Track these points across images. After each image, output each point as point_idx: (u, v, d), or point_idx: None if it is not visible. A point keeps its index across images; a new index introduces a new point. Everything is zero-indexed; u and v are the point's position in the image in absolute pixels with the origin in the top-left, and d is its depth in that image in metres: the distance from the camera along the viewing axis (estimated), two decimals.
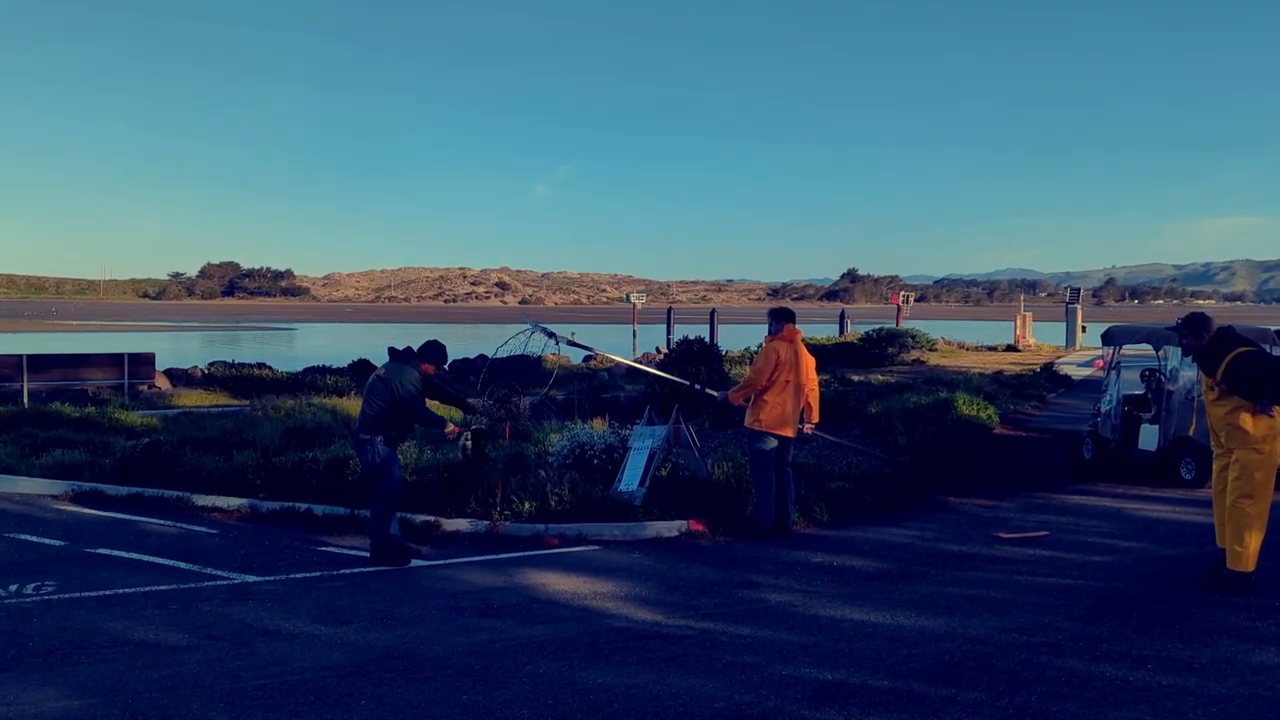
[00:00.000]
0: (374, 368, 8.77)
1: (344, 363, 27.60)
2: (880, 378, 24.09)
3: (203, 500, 10.17)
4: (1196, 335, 7.09)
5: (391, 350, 8.27)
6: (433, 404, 8.48)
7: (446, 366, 24.41)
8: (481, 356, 11.69)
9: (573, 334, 10.62)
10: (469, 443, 8.39)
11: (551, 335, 10.37)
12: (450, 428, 8.27)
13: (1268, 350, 7.13)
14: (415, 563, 7.93)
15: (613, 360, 14.75)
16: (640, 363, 13.41)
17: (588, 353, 11.01)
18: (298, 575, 7.60)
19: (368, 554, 8.04)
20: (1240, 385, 6.78)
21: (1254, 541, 6.80)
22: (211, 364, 28.89)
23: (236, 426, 14.08)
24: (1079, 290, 50.41)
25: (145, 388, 23.38)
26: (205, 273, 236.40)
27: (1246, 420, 6.80)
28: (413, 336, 8.71)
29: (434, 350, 8.25)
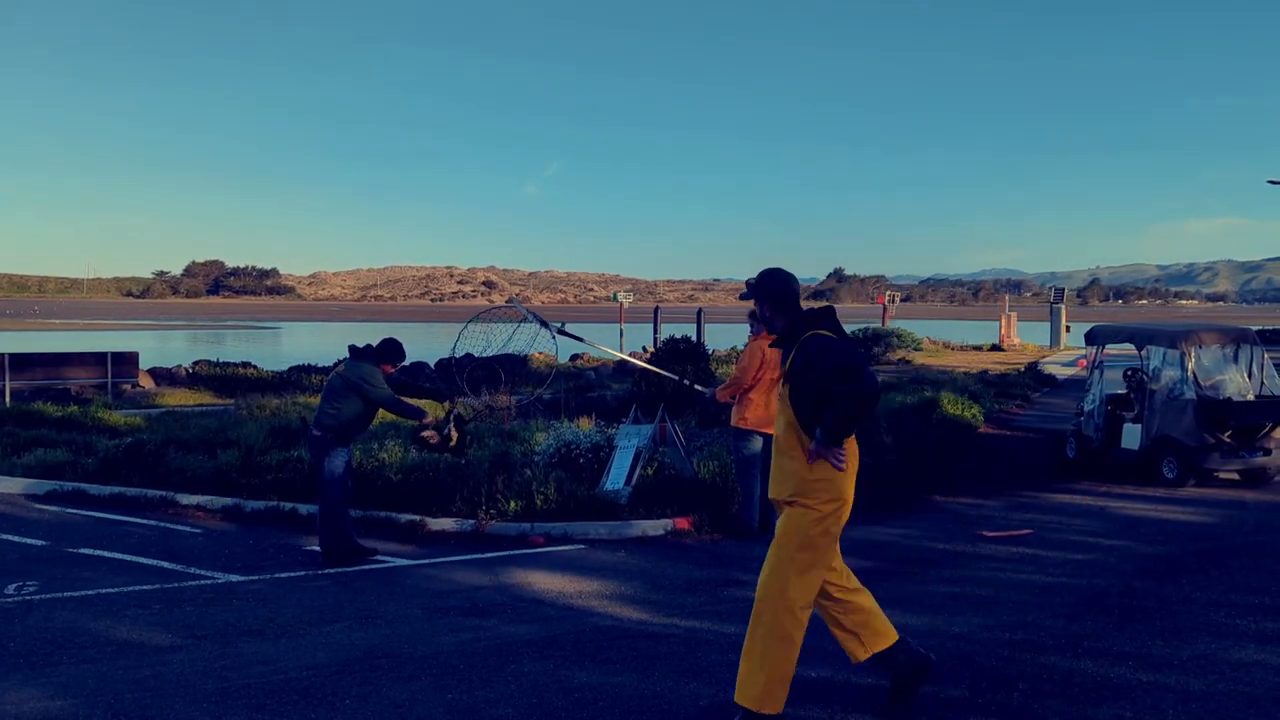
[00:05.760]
0: None
1: (329, 361, 27.49)
2: None
3: (186, 500, 10.11)
4: (765, 302, 4.56)
5: (351, 348, 8.24)
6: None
7: (433, 366, 24.10)
8: (468, 355, 11.67)
9: (563, 325, 10.59)
10: (453, 430, 8.33)
11: (545, 324, 10.34)
12: (429, 418, 8.22)
13: (857, 352, 4.40)
14: (400, 561, 7.91)
15: (604, 355, 14.75)
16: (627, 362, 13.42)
17: (580, 344, 11.01)
18: (282, 575, 7.58)
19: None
20: (802, 385, 4.30)
21: (786, 669, 4.25)
22: (196, 363, 28.74)
23: (221, 426, 14.01)
24: (1063, 290, 50.70)
25: (129, 387, 23.24)
26: (190, 271, 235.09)
27: (799, 450, 4.36)
28: (398, 335, 8.67)
29: (391, 349, 8.16)
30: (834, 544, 4.42)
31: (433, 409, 9.29)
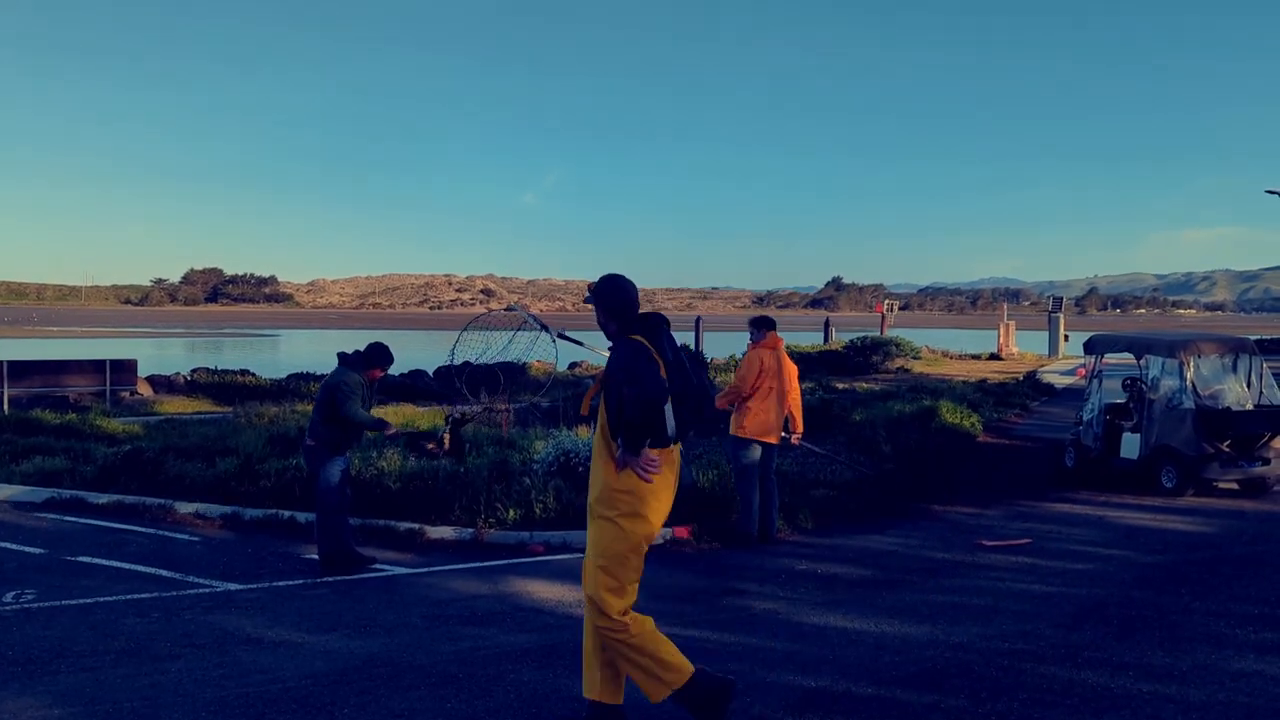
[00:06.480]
0: None
1: (327, 369, 27.48)
2: (865, 385, 24.17)
3: (185, 508, 10.09)
4: (600, 308, 4.45)
5: (340, 355, 8.24)
6: (404, 408, 8.37)
7: (431, 374, 24.00)
8: (466, 364, 11.67)
9: (563, 330, 10.61)
10: (447, 435, 8.30)
11: (545, 328, 10.36)
12: (391, 430, 8.15)
13: (680, 353, 4.39)
14: (399, 570, 7.90)
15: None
16: None
17: (580, 349, 11.01)
18: (280, 583, 7.56)
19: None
20: (609, 389, 4.29)
21: (666, 652, 4.27)
22: (194, 370, 28.68)
23: (219, 433, 14.00)
24: (1061, 299, 50.74)
25: (127, 394, 23.22)
26: (188, 279, 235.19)
27: (607, 456, 4.28)
28: (396, 342, 8.67)
29: (377, 353, 8.13)
30: (641, 562, 4.30)
31: (432, 418, 9.29)
